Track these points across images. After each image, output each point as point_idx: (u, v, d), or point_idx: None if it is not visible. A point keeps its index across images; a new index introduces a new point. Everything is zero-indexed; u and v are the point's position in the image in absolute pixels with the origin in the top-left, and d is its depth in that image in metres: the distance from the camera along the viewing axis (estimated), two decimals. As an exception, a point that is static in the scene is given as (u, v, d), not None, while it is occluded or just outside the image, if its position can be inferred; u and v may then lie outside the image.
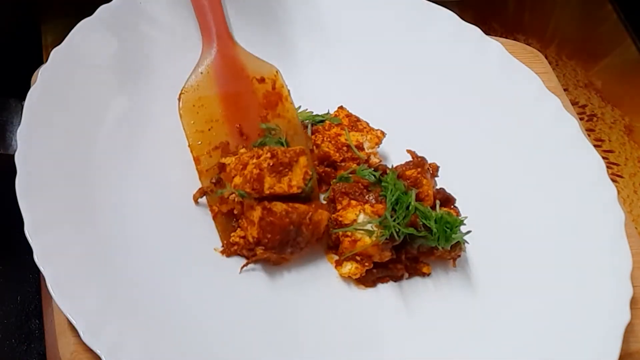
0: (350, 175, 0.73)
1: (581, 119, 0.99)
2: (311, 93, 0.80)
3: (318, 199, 0.74)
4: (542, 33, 1.11)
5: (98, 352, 0.59)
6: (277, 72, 0.78)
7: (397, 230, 0.69)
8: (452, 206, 0.74)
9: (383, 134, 0.78)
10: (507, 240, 0.74)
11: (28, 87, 0.71)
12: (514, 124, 0.81)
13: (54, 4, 0.94)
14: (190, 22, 0.78)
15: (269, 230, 0.67)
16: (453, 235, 0.69)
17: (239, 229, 0.71)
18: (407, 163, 0.74)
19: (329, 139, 0.76)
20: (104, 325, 0.61)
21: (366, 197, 0.71)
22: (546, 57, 0.92)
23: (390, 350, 0.68)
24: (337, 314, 0.69)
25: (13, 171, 0.65)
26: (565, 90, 0.96)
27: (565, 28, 1.13)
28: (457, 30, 0.85)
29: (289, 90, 0.78)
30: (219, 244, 0.71)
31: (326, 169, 0.76)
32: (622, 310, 0.67)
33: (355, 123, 0.78)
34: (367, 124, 0.79)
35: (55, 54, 0.73)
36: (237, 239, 0.70)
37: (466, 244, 0.73)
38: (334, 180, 0.74)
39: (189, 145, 0.73)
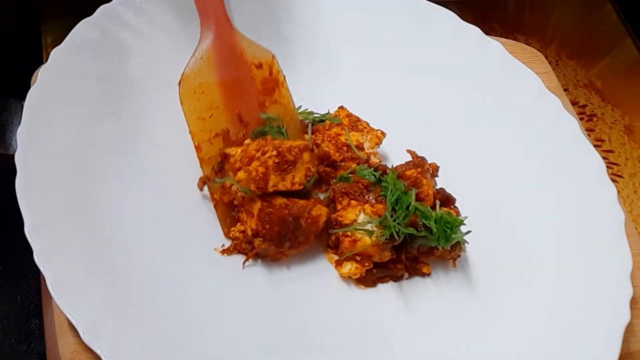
0: (350, 175, 0.73)
1: (581, 119, 0.99)
2: (311, 93, 0.80)
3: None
4: (542, 33, 1.11)
5: (98, 352, 0.59)
6: (273, 57, 0.78)
7: (397, 230, 0.69)
8: (452, 206, 0.74)
9: (383, 134, 0.78)
10: (507, 240, 0.74)
11: (28, 87, 0.71)
12: (514, 123, 0.81)
13: (54, 4, 0.94)
14: (191, 22, 0.78)
15: (268, 220, 0.68)
16: (453, 235, 0.69)
17: (238, 224, 0.71)
18: (407, 163, 0.74)
19: (329, 139, 0.76)
20: (104, 325, 0.61)
21: (366, 197, 0.71)
22: (546, 57, 0.92)
23: (391, 350, 0.68)
24: (337, 314, 0.69)
25: (13, 171, 0.65)
26: (565, 90, 0.96)
27: (565, 28, 1.13)
28: (457, 30, 0.85)
29: (284, 76, 0.78)
30: (218, 244, 0.71)
31: (326, 168, 0.76)
32: (622, 310, 0.67)
33: (355, 123, 0.78)
34: (367, 124, 0.79)
35: (55, 54, 0.73)
36: (237, 234, 0.70)
37: (466, 244, 0.73)
38: (334, 180, 0.74)
39: (190, 132, 0.73)
